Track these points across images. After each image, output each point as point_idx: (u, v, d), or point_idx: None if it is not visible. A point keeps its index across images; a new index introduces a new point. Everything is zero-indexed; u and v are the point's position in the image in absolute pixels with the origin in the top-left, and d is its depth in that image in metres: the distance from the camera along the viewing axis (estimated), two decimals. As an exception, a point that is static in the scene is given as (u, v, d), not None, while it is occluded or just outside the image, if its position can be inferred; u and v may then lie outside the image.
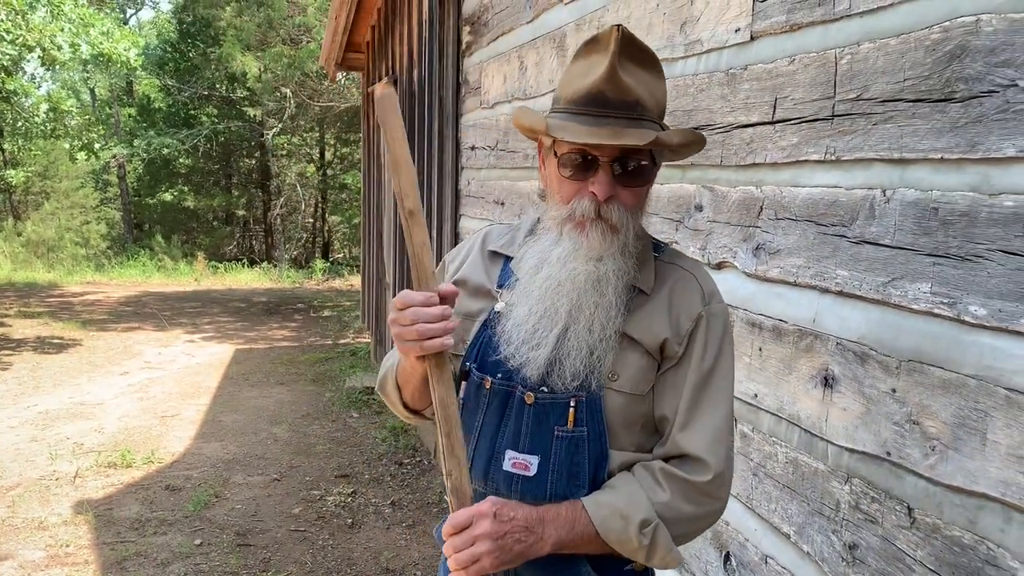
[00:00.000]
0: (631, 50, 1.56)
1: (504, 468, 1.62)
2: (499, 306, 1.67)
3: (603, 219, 1.57)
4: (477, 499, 1.61)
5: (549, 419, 1.59)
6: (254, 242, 26.94)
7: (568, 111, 1.58)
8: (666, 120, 2.71)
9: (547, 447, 1.60)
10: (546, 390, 1.59)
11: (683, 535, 1.59)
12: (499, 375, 1.64)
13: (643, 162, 1.59)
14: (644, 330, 1.60)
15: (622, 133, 1.51)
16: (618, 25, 1.54)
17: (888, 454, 1.82)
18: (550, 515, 1.53)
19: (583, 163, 1.57)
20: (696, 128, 2.56)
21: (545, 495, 1.59)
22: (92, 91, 29.68)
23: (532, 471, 1.60)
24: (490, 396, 1.66)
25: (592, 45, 1.59)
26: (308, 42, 20.79)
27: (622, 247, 1.58)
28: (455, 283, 1.77)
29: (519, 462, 1.61)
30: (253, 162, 26.48)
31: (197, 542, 5.04)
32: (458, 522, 1.48)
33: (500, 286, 1.72)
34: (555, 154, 1.62)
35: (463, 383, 1.71)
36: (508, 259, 1.76)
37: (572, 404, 1.58)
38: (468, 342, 1.72)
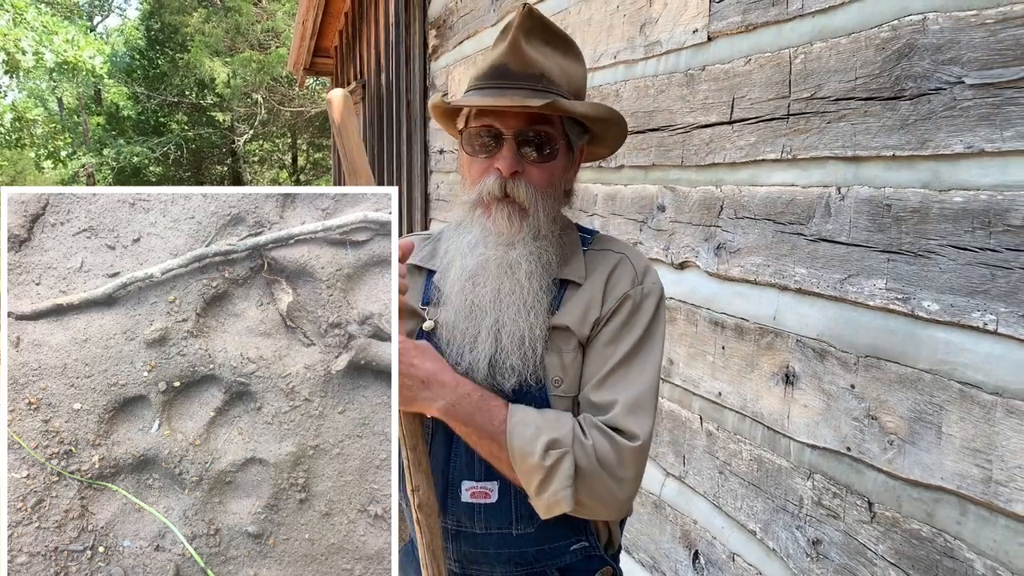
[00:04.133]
0: (539, 29, 1.53)
1: (463, 500, 1.55)
2: (427, 324, 1.59)
3: (509, 197, 1.51)
4: (442, 536, 1.56)
5: None
6: (227, 249, 26.77)
7: (473, 88, 1.54)
8: (628, 122, 2.74)
9: None
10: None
11: (583, 491, 1.43)
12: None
13: (548, 133, 1.52)
14: (576, 319, 1.53)
15: (521, 100, 1.46)
16: (525, 3, 1.51)
17: (848, 449, 1.83)
18: (464, 388, 1.45)
19: (487, 140, 1.52)
20: (656, 129, 2.57)
21: (511, 519, 1.54)
22: (59, 100, 29.35)
23: (493, 498, 1.54)
24: (434, 425, 1.56)
25: (503, 30, 1.54)
26: (277, 47, 20.69)
27: (534, 232, 1.52)
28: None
29: (478, 491, 1.54)
30: (225, 168, 26.30)
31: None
32: None
33: (425, 304, 1.63)
34: (461, 136, 1.59)
35: None
36: (431, 272, 1.66)
37: None
38: None
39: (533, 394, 1.51)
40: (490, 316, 1.50)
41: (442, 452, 1.57)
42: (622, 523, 1.70)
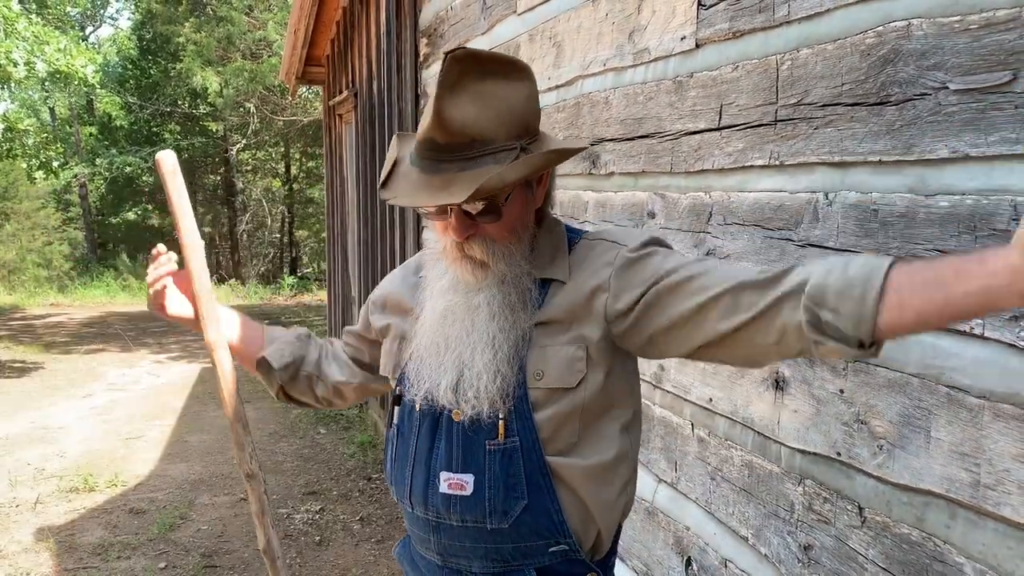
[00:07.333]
0: (470, 72, 1.43)
1: (441, 491, 1.58)
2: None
3: (468, 256, 1.54)
4: (419, 526, 1.64)
5: (479, 434, 1.54)
6: (221, 259, 26.66)
7: (415, 157, 1.52)
8: (616, 130, 2.75)
9: (480, 463, 1.54)
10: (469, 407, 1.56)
11: None
12: (426, 396, 1.61)
13: (492, 199, 1.47)
14: (563, 309, 1.55)
15: (450, 181, 1.43)
16: (452, 50, 1.42)
17: (838, 454, 1.84)
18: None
19: (434, 209, 1.51)
20: (646, 136, 2.58)
21: (485, 512, 1.55)
22: (51, 110, 29.33)
23: (468, 490, 1.55)
24: (420, 418, 1.62)
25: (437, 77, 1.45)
26: (269, 56, 20.67)
27: (499, 279, 1.54)
28: (380, 302, 1.83)
29: (454, 482, 1.56)
30: (218, 178, 26.30)
31: (162, 565, 4.97)
32: None
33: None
34: None
35: (396, 408, 1.69)
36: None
37: (501, 415, 1.53)
38: (401, 365, 1.70)
39: (484, 423, 1.54)
40: (453, 350, 1.56)
41: (426, 444, 1.61)
42: (618, 530, 1.69)
